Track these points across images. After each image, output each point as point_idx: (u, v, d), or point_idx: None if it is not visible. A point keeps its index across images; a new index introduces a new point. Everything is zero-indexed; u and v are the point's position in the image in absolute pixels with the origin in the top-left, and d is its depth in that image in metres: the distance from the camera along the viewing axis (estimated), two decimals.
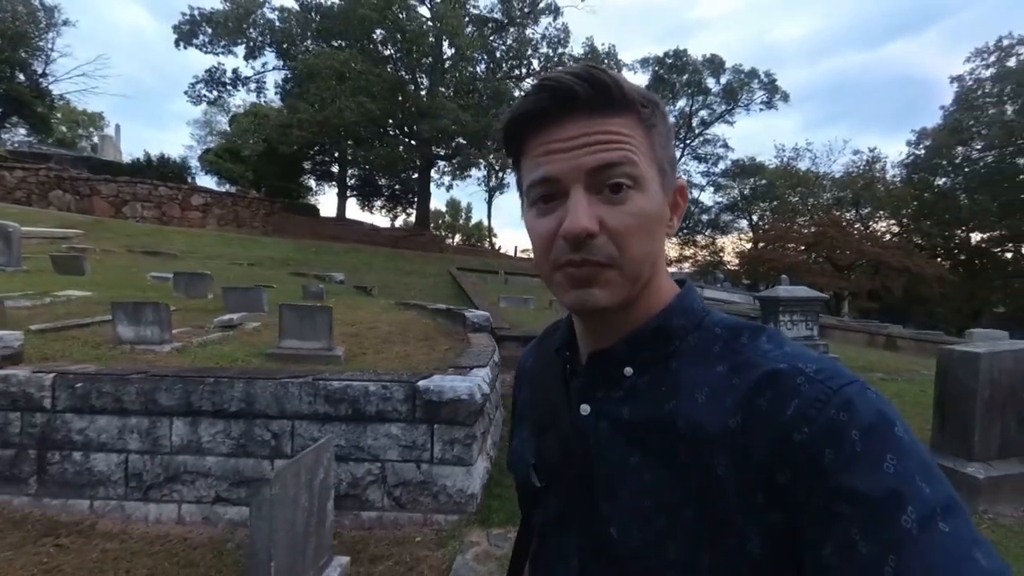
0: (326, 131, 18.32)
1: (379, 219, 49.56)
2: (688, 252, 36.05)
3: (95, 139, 37.07)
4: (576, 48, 25.43)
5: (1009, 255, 27.90)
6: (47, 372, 2.97)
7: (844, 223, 28.00)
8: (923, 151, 29.36)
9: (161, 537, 2.73)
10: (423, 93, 22.68)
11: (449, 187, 30.94)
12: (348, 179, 32.76)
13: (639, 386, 0.48)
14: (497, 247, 41.24)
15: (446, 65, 23.35)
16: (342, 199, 32.05)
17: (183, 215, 20.45)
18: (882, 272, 24.06)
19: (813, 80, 75.31)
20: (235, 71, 24.31)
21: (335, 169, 32.48)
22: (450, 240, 44.57)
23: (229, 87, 24.32)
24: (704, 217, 34.45)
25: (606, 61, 25.23)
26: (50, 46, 23.22)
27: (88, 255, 9.71)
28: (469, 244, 45.98)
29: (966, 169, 27.81)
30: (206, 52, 22.95)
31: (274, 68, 24.94)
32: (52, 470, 2.93)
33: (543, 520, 0.54)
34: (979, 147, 27.51)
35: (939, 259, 27.10)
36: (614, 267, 0.45)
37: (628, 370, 0.49)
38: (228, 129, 33.98)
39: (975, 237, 28.57)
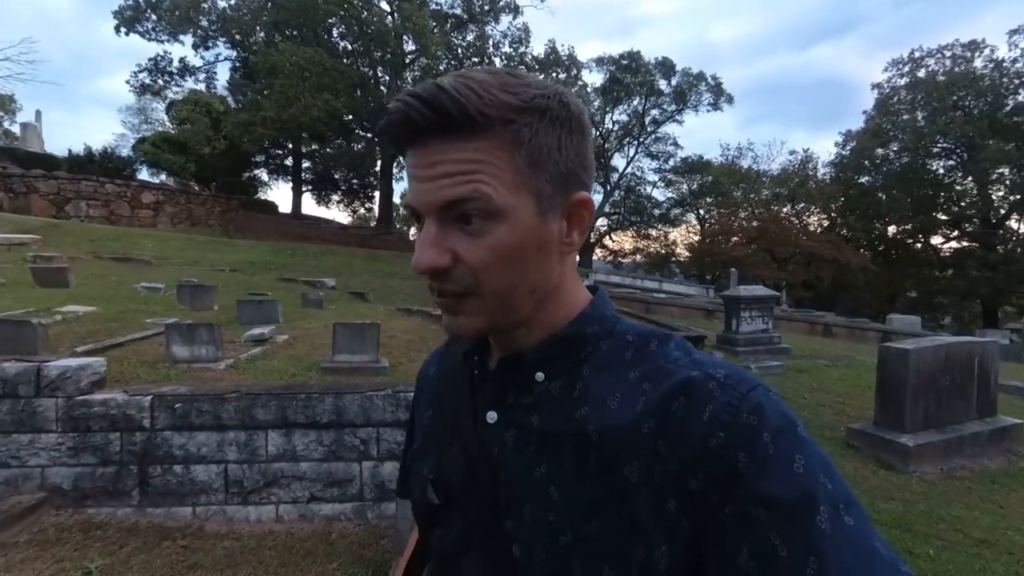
0: (290, 129, 17.98)
1: (336, 214, 48.18)
2: (642, 244, 37.90)
3: (12, 127, 33.75)
4: (538, 48, 26.03)
5: (920, 246, 31.38)
6: (144, 395, 3.28)
7: (782, 218, 30.50)
8: (848, 152, 32.27)
9: (267, 534, 3.15)
10: (383, 89, 22.57)
11: None
12: (303, 173, 31.86)
13: (550, 392, 0.46)
14: None
15: (407, 60, 23.30)
16: (297, 194, 31.18)
17: (133, 214, 19.41)
18: (815, 263, 26.48)
19: (749, 79, 79.97)
20: (183, 60, 23.16)
21: (289, 162, 31.48)
22: (414, 236, 44.27)
23: (176, 76, 23.12)
24: (656, 211, 36.16)
25: (566, 63, 26.04)
26: None
27: (54, 263, 9.35)
28: None
29: (885, 169, 30.88)
30: (150, 39, 21.72)
31: (225, 59, 23.97)
32: (154, 482, 3.26)
33: (442, 542, 0.50)
34: (895, 149, 30.62)
35: (862, 250, 30.04)
36: (474, 295, 0.43)
37: (540, 375, 0.47)
38: (165, 117, 31.89)
39: (892, 230, 31.89)
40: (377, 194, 29.15)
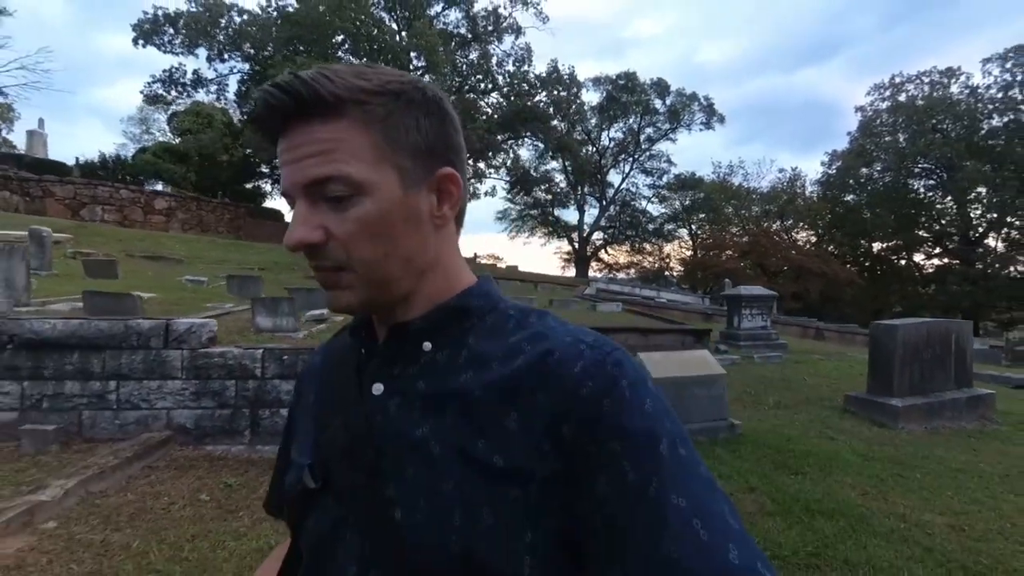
0: None
1: None
2: (636, 259, 38.85)
3: (10, 135, 33.96)
4: (540, 67, 27.09)
5: (903, 263, 32.62)
6: (256, 348, 3.84)
7: (773, 232, 31.61)
8: (835, 171, 33.62)
9: None
10: None
11: None
12: None
13: (437, 360, 0.48)
14: None
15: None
16: None
17: (146, 219, 19.83)
18: (804, 276, 27.44)
19: (737, 100, 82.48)
20: (196, 72, 23.82)
21: None
22: None
23: (189, 88, 23.76)
24: (651, 226, 37.16)
25: (567, 81, 27.13)
26: None
27: (91, 258, 9.80)
28: None
29: (869, 188, 32.23)
30: (165, 52, 22.41)
31: (237, 72, 24.67)
32: (263, 423, 3.79)
33: (318, 526, 0.49)
34: (879, 169, 32.02)
35: (848, 265, 31.17)
36: (347, 270, 0.45)
37: (427, 345, 0.49)
38: (167, 127, 32.16)
39: (876, 246, 33.13)
40: None
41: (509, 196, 34.88)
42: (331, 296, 0.47)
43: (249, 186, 29.78)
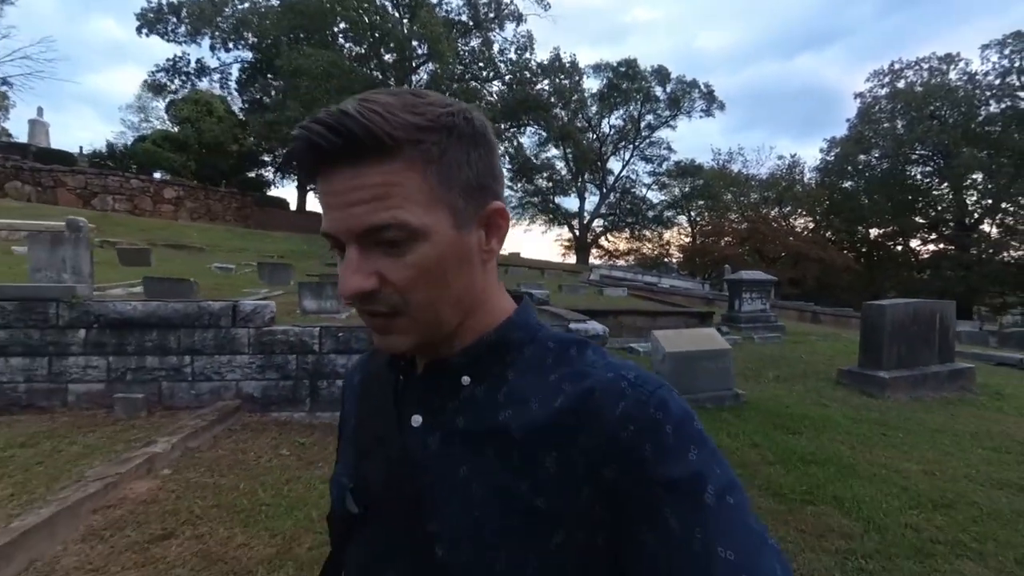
0: None
1: None
2: (636, 246, 39.28)
3: (6, 123, 33.85)
4: (541, 54, 27.22)
5: (900, 248, 33.13)
6: (313, 327, 4.29)
7: (772, 219, 32.04)
8: (833, 157, 33.93)
9: None
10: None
11: None
12: None
13: (476, 395, 0.48)
14: None
15: (415, 64, 24.36)
16: (302, 192, 31.98)
17: (155, 208, 20.17)
18: (801, 262, 27.94)
19: (735, 86, 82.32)
20: (199, 61, 23.96)
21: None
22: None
23: (193, 76, 23.91)
24: (651, 213, 37.50)
25: (569, 69, 27.26)
26: None
27: (118, 247, 10.19)
28: None
29: (866, 174, 32.57)
30: (168, 40, 22.55)
31: (240, 61, 24.80)
32: (322, 393, 4.26)
33: (358, 553, 0.51)
34: (876, 155, 32.34)
35: (845, 251, 31.67)
36: (402, 315, 0.44)
37: (466, 379, 0.49)
38: (164, 115, 31.87)
39: (873, 232, 33.60)
40: None
41: (511, 184, 35.11)
42: (383, 340, 0.46)
43: (252, 175, 29.98)
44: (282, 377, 4.25)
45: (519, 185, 35.55)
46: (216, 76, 24.70)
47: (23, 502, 2.63)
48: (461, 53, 25.89)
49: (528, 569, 0.41)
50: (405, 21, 22.77)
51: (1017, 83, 27.83)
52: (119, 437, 3.52)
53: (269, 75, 23.54)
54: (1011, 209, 28.41)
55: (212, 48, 23.05)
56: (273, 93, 23.54)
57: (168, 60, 23.12)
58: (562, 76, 27.26)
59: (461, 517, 0.44)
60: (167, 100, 32.57)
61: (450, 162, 0.43)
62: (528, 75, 26.74)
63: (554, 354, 0.49)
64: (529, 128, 30.87)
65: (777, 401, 4.90)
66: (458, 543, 0.44)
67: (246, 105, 26.08)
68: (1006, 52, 27.86)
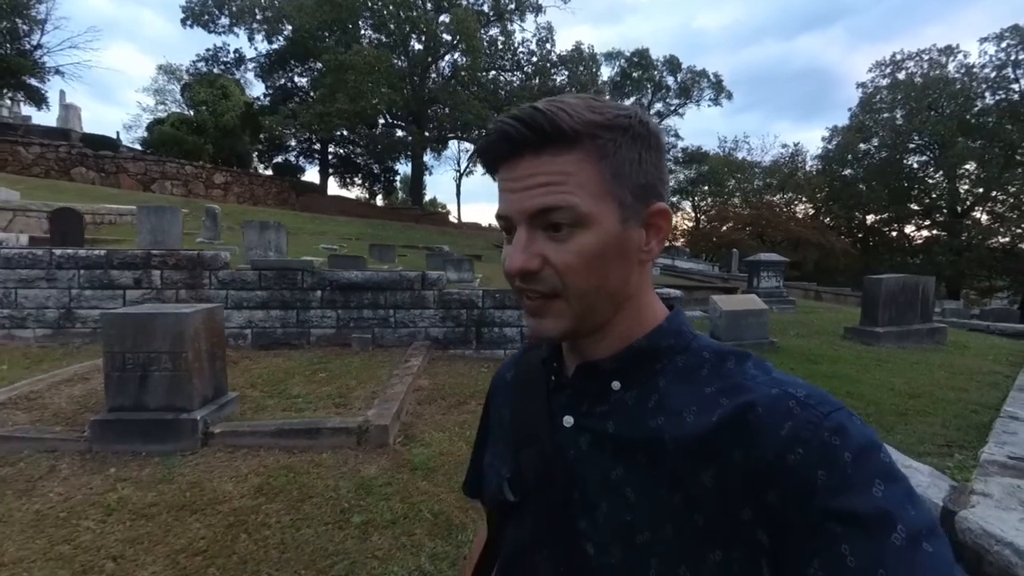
0: (359, 119, 20.39)
1: (360, 195, 50.33)
2: None
3: (16, 107, 34.49)
4: (562, 46, 28.42)
5: (895, 234, 34.90)
6: (477, 289, 6.02)
7: (775, 204, 33.70)
8: (834, 146, 35.42)
9: None
10: (416, 80, 24.91)
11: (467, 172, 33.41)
12: (330, 157, 33.92)
13: (626, 401, 0.48)
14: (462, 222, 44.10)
15: (440, 52, 25.59)
16: (324, 176, 33.32)
17: (207, 192, 21.62)
18: (802, 247, 29.67)
19: (735, 68, 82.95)
20: (237, 51, 25.15)
21: (317, 147, 33.47)
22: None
23: (232, 67, 25.10)
24: None
25: (587, 61, 28.50)
26: (43, 16, 22.69)
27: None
28: (454, 220, 48.31)
29: (865, 163, 34.09)
30: (210, 32, 23.69)
31: (272, 52, 25.94)
32: (484, 337, 6.00)
33: (516, 537, 0.53)
34: (876, 144, 33.84)
35: (843, 236, 33.40)
36: (560, 298, 0.46)
37: (616, 384, 0.49)
38: (180, 98, 31.45)
39: (870, 218, 35.30)
40: (400, 176, 31.37)
41: None
42: (536, 323, 0.48)
43: (280, 160, 31.21)
44: (456, 325, 5.99)
45: None
46: (251, 65, 25.91)
47: (368, 387, 4.39)
48: (485, 45, 27.08)
49: None
50: (430, 9, 23.87)
51: (1012, 75, 29.27)
52: (370, 362, 5.27)
53: (293, 62, 24.71)
54: (1001, 197, 30.11)
55: (250, 38, 24.24)
56: (303, 82, 24.59)
57: (208, 50, 24.33)
58: (581, 68, 28.50)
59: (613, 520, 0.45)
60: (182, 83, 32.94)
61: (623, 159, 0.46)
62: (548, 66, 27.98)
63: (710, 365, 0.48)
64: None
65: (801, 347, 6.70)
66: (609, 545, 0.45)
67: (269, 92, 27.21)
68: (1003, 45, 29.22)
